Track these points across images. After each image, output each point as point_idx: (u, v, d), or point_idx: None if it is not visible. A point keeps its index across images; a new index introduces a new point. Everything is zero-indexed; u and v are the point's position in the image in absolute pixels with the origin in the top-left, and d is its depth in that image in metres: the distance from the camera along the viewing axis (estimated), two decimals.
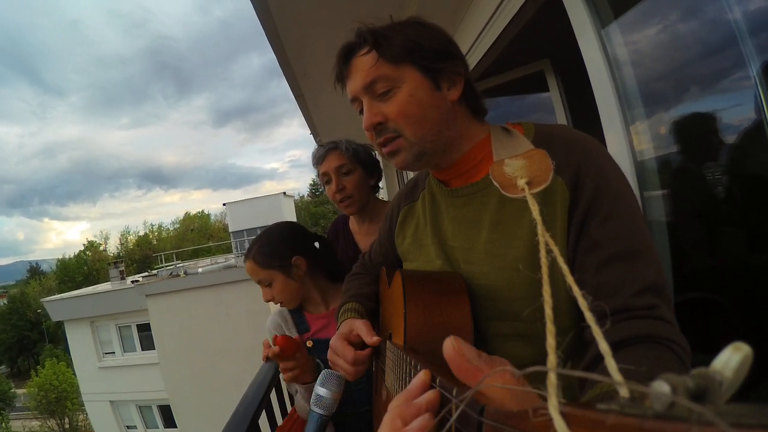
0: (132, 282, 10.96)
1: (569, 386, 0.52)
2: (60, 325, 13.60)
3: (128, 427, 11.49)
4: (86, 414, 13.66)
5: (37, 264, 43.67)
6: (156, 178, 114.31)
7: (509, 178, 0.43)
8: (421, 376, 0.37)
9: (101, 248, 41.12)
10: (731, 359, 0.16)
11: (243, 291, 6.97)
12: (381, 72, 0.64)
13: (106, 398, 11.24)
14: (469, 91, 0.69)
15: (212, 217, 45.96)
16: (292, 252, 1.15)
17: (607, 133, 1.15)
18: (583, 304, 0.25)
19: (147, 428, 11.32)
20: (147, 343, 10.57)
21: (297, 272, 1.16)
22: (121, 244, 43.60)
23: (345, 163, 1.39)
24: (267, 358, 1.21)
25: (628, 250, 0.55)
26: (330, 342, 0.75)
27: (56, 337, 30.00)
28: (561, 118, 2.40)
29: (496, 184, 0.44)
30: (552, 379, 0.20)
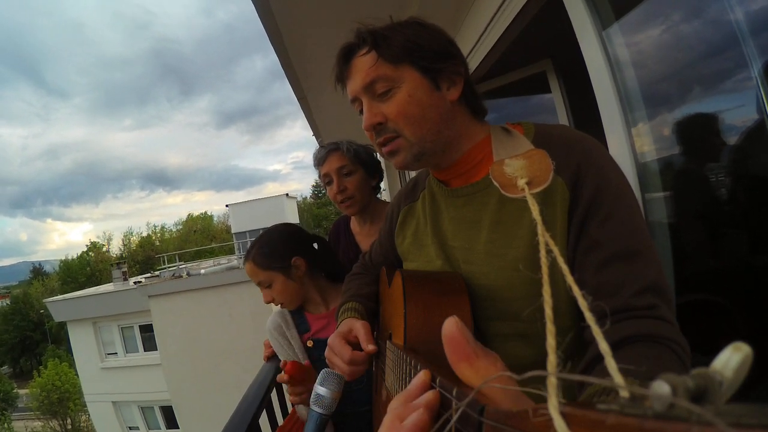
0: (135, 283, 11.02)
1: (569, 386, 0.52)
2: (63, 325, 13.68)
3: (130, 427, 11.52)
4: (88, 415, 13.69)
5: (40, 265, 43.94)
6: (159, 179, 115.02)
7: (509, 178, 0.43)
8: (421, 376, 0.37)
9: (104, 249, 41.31)
10: (731, 359, 0.15)
11: (245, 292, 6.98)
12: (380, 72, 0.64)
13: (108, 399, 11.28)
14: (468, 91, 0.69)
15: (215, 219, 46.10)
16: (292, 253, 1.16)
17: (608, 134, 1.15)
18: (583, 304, 0.25)
19: (149, 429, 11.35)
20: (149, 344, 10.60)
21: (297, 273, 1.16)
22: (124, 245, 43.81)
23: (346, 164, 1.39)
24: (268, 359, 1.21)
25: (628, 250, 0.55)
26: (328, 341, 0.75)
27: (59, 337, 30.13)
28: (563, 119, 2.39)
29: (496, 184, 0.44)
30: (552, 379, 0.20)
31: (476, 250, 0.65)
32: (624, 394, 0.17)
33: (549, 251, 0.31)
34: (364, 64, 0.65)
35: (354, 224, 1.54)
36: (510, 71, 2.53)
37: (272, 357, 1.35)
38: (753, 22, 0.81)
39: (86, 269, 37.01)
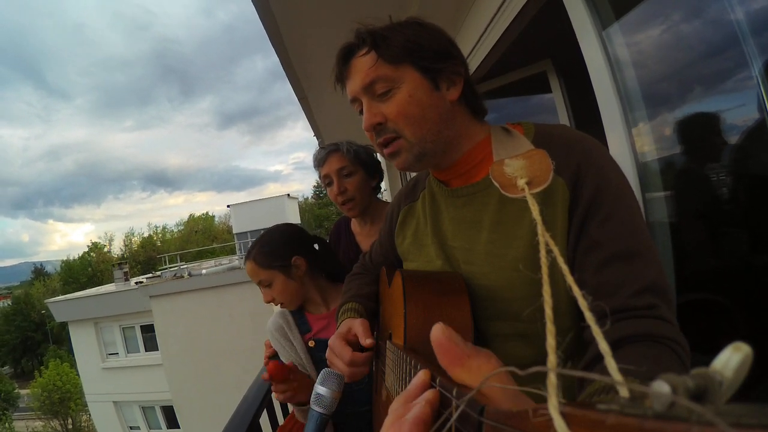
0: (136, 283, 11.02)
1: (569, 386, 0.52)
2: (64, 326, 13.71)
3: (131, 427, 11.54)
4: (89, 415, 13.71)
5: (41, 265, 44.02)
6: (160, 180, 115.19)
7: (509, 178, 0.43)
8: (421, 376, 0.37)
9: (105, 250, 41.36)
10: (731, 359, 0.15)
11: (247, 292, 6.99)
12: (380, 72, 0.64)
13: (109, 399, 11.30)
14: (468, 92, 0.69)
15: (216, 219, 46.14)
16: (292, 252, 1.16)
17: (608, 134, 1.15)
18: (583, 304, 0.25)
19: (150, 429, 11.36)
20: (150, 344, 10.61)
21: (297, 272, 1.16)
22: (126, 245, 43.86)
23: (346, 164, 1.39)
24: (268, 359, 1.21)
25: (627, 250, 0.55)
26: (329, 341, 0.75)
27: (60, 337, 30.18)
28: (563, 119, 2.39)
29: (496, 184, 0.44)
30: (552, 379, 0.20)
31: (476, 251, 0.65)
32: (624, 393, 0.17)
33: (549, 251, 0.31)
34: (364, 64, 0.65)
35: (354, 225, 1.54)
36: (510, 71, 2.53)
37: (273, 357, 1.35)
38: (753, 22, 0.81)
39: (88, 270, 37.05)
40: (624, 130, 1.09)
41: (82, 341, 11.47)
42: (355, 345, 0.74)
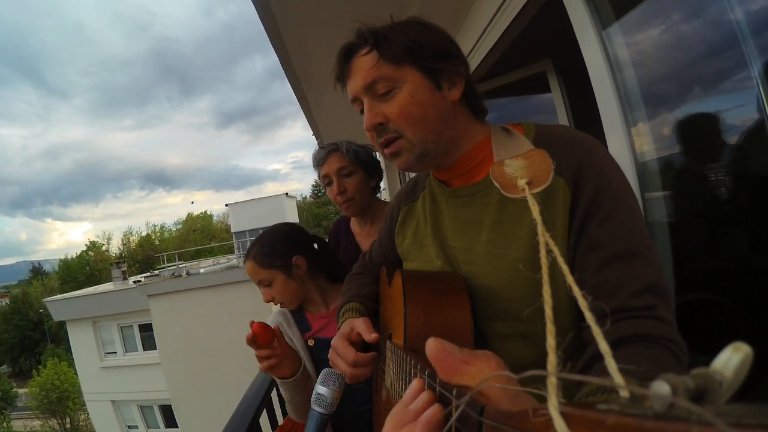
0: (134, 282, 11.00)
1: (569, 386, 0.52)
2: (62, 325, 13.66)
3: (129, 427, 11.51)
4: (88, 414, 13.69)
5: (39, 264, 43.90)
6: (159, 179, 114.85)
7: (509, 179, 0.43)
8: (414, 385, 0.38)
9: (103, 248, 41.25)
10: (731, 359, 0.15)
11: (245, 291, 6.98)
12: (381, 72, 0.64)
13: (107, 398, 11.27)
14: (469, 92, 0.69)
15: (215, 218, 46.02)
16: (292, 252, 1.16)
17: (608, 134, 1.15)
18: (583, 304, 0.25)
19: (148, 428, 11.34)
20: (149, 343, 10.60)
21: (297, 272, 1.16)
22: (124, 244, 43.73)
23: (346, 164, 1.39)
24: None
25: (627, 251, 0.55)
26: (332, 342, 0.75)
27: (58, 336, 30.12)
28: (563, 119, 2.39)
29: (496, 184, 0.44)
30: (552, 379, 0.20)
31: (476, 251, 0.65)
32: (624, 393, 0.17)
33: (549, 251, 0.31)
34: (365, 64, 0.65)
35: (354, 224, 1.54)
36: (510, 71, 2.53)
37: None
38: (753, 22, 0.81)
39: (86, 269, 36.96)
40: (623, 130, 1.10)
41: (80, 340, 11.44)
42: (357, 345, 0.74)
